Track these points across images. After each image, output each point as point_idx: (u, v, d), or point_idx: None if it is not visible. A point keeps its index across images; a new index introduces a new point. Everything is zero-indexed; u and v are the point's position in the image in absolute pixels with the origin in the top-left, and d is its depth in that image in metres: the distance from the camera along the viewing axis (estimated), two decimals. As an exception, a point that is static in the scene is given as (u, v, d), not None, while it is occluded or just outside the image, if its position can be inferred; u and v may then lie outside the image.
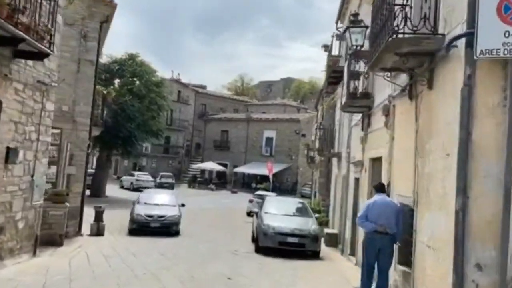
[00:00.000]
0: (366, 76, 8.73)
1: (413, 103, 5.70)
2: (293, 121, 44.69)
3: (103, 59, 27.73)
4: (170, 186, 39.77)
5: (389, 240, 6.12)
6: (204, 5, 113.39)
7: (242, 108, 57.43)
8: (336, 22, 18.22)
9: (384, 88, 7.75)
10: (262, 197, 23.96)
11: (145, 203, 15.46)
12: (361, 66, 9.08)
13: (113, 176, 46.86)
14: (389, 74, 6.21)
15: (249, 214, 23.57)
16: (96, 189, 27.66)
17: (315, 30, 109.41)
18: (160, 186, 39.40)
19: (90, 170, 38.61)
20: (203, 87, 62.79)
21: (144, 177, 38.17)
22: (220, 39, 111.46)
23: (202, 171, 48.95)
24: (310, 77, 78.30)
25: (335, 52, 16.44)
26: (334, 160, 16.45)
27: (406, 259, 5.96)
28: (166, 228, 14.13)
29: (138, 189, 37.70)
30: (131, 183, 37.75)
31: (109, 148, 27.59)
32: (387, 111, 7.29)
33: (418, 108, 5.43)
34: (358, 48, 8.02)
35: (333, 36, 16.17)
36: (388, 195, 6.87)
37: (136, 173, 39.47)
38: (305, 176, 45.02)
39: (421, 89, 5.35)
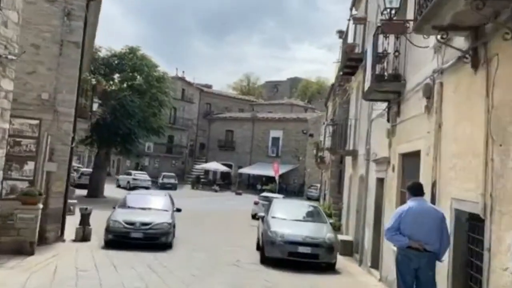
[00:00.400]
0: (396, 53, 7.17)
1: (480, 73, 4.14)
2: (301, 120, 43.12)
3: (102, 53, 26.46)
4: (173, 187, 38.37)
5: (429, 259, 4.57)
6: (210, 8, 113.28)
7: (247, 108, 55.99)
8: (351, 9, 16.75)
9: (423, 64, 6.20)
10: (268, 199, 22.44)
11: (129, 207, 12.53)
12: (389, 45, 7.56)
13: (116, 176, 45.62)
14: (440, 36, 4.62)
15: (254, 217, 22.12)
16: (93, 189, 26.28)
17: (321, 32, 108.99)
18: (162, 187, 38.02)
19: (86, 169, 37.90)
20: (209, 86, 61.45)
21: (141, 176, 37.09)
22: (226, 41, 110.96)
23: (206, 171, 47.51)
24: (317, 77, 76.94)
25: (350, 40, 14.88)
26: (348, 159, 14.90)
27: None
28: (152, 240, 10.95)
29: (134, 188, 36.21)
30: (128, 182, 36.73)
31: (108, 146, 26.19)
32: (429, 92, 5.74)
33: (491, 78, 3.87)
34: (393, 13, 6.47)
35: (349, 20, 14.61)
36: (433, 199, 5.32)
37: (133, 172, 38.48)
38: (312, 177, 43.43)
39: (497, 50, 3.80)
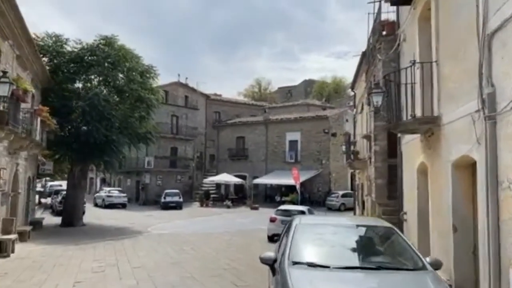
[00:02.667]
0: None
1: None
2: (320, 118, 37.32)
3: (69, 46, 21.43)
4: (177, 206, 33.05)
5: None
6: (217, 25, 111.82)
7: (260, 114, 50.52)
8: None
9: None
10: (288, 214, 16.81)
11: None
12: None
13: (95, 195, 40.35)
14: None
15: (272, 239, 16.47)
16: (68, 216, 21.06)
17: (328, 41, 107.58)
18: (165, 207, 32.72)
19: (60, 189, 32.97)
20: (218, 95, 56.29)
21: (115, 192, 34.97)
22: (236, 57, 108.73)
23: (217, 185, 41.97)
24: (333, 76, 71.19)
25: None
26: (413, 142, 9.17)
27: None
28: None
29: (109, 206, 33.68)
30: (103, 199, 34.27)
31: (82, 161, 20.95)
32: None
33: None
34: None
35: None
36: None
37: (107, 188, 37.15)
38: (338, 183, 37.48)
39: None
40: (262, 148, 40.58)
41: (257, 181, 37.34)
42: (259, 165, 40.46)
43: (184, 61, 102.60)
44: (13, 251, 12.50)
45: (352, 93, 22.26)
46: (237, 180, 37.78)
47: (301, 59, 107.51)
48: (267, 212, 31.63)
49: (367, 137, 14.11)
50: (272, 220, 16.62)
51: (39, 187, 47.00)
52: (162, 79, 42.17)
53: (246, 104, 57.16)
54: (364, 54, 15.90)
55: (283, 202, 33.62)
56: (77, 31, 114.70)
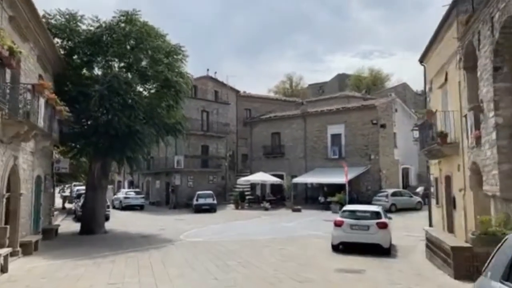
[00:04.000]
0: None
1: None
2: (367, 108, 33.29)
3: (85, 24, 18.47)
4: (211, 209, 29.84)
5: None
6: (240, 29, 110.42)
7: (294, 109, 46.81)
8: None
9: None
10: (357, 216, 13.18)
11: None
12: None
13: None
14: None
15: (337, 248, 12.89)
16: (88, 222, 18.04)
17: (352, 41, 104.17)
18: (198, 209, 29.57)
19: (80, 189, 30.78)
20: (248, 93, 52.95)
21: (132, 194, 33.44)
22: (260, 60, 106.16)
23: (252, 186, 38.53)
24: (369, 68, 66.66)
25: None
26: None
27: None
28: None
29: (127, 208, 32.01)
30: (120, 201, 32.74)
31: (103, 156, 17.89)
32: None
33: None
34: None
35: None
36: None
37: (124, 190, 36.16)
38: (390, 181, 33.32)
39: None
40: (300, 144, 36.87)
41: (297, 180, 33.62)
42: (297, 163, 36.77)
43: (207, 65, 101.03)
44: (4, 270, 9.37)
45: (422, 67, 18.27)
46: (275, 180, 34.19)
47: (326, 60, 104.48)
48: (311, 215, 27.98)
49: (475, 109, 10.28)
50: (338, 224, 12.94)
51: (66, 191, 45.10)
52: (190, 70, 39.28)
53: (278, 100, 53.55)
54: (455, 3, 12.06)
55: (329, 203, 29.87)
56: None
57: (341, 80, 69.90)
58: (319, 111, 36.67)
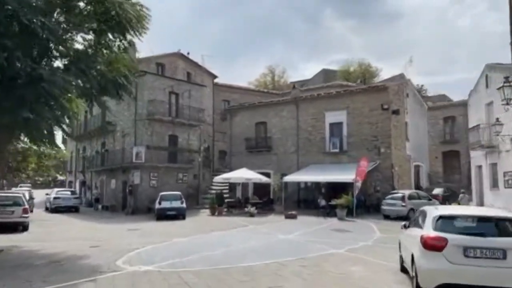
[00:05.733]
0: None
1: None
2: (376, 90, 26.94)
3: None
4: (179, 214, 22.76)
5: None
6: (214, 35, 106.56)
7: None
8: None
9: None
10: (473, 228, 6.35)
11: None
12: None
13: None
14: None
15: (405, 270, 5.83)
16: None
17: (326, 49, 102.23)
18: (162, 215, 22.39)
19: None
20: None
21: (65, 194, 29.50)
22: (235, 67, 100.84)
23: (231, 187, 31.58)
24: (359, 61, 60.84)
25: None
26: None
27: None
28: None
29: (56, 210, 27.82)
30: (49, 202, 29.01)
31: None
32: None
33: None
34: None
35: None
36: None
37: (54, 189, 31.68)
38: (402, 180, 27.05)
39: None
40: (292, 136, 30.22)
41: (288, 179, 26.85)
42: (288, 159, 30.09)
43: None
44: None
45: None
46: (261, 178, 27.30)
47: (300, 68, 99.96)
48: (312, 223, 21.10)
49: None
50: (436, 247, 6.10)
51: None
52: (156, 51, 32.10)
53: (260, 92, 47.09)
54: None
55: (332, 208, 23.18)
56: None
57: (327, 75, 63.87)
58: (315, 95, 30.17)
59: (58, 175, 62.47)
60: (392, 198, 22.43)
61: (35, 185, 59.59)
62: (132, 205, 26.93)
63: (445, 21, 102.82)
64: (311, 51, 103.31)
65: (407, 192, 22.83)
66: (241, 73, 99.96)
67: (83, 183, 36.57)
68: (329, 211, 23.38)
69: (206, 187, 32.18)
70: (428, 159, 33.49)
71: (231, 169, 31.62)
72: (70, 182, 40.96)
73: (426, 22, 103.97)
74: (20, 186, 49.01)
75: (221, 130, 38.74)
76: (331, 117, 28.46)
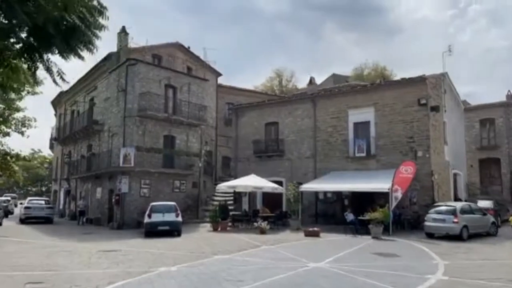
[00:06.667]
0: None
1: None
2: (411, 83, 22.57)
3: None
4: (173, 231, 18.29)
5: None
6: (217, 50, 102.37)
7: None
8: None
9: None
10: None
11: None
12: None
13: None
14: None
15: None
16: None
17: (327, 62, 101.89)
18: (151, 232, 17.96)
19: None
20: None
21: (37, 203, 26.80)
22: (238, 80, 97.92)
23: (236, 198, 27.15)
24: (374, 63, 56.70)
25: None
26: None
27: None
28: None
29: (26, 221, 25.28)
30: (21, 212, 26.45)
31: None
32: None
33: None
34: None
35: None
36: None
37: (29, 198, 28.92)
38: (442, 190, 22.58)
39: None
40: (308, 138, 25.89)
41: (306, 188, 22.43)
42: (303, 165, 25.73)
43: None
44: None
45: None
46: (275, 187, 22.86)
47: (302, 81, 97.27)
48: (341, 243, 16.31)
49: None
50: None
51: None
52: (151, 42, 28.07)
53: (268, 95, 42.85)
54: None
55: (364, 223, 18.66)
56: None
57: (337, 81, 59.78)
58: (336, 91, 25.92)
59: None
60: (439, 212, 17.87)
61: (27, 195, 55.42)
62: (118, 218, 22.50)
63: (445, 35, 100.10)
64: (313, 64, 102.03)
65: (458, 205, 18.27)
66: (243, 84, 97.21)
67: (67, 192, 32.15)
68: (358, 228, 18.94)
69: (207, 198, 27.76)
70: (465, 167, 29.02)
71: (235, 177, 27.23)
72: (56, 191, 36.58)
73: (427, 36, 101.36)
74: (5, 196, 44.77)
75: (224, 134, 34.58)
76: (355, 116, 24.13)
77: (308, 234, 18.28)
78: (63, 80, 8.43)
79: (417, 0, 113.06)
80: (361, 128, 23.89)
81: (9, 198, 37.20)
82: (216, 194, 28.66)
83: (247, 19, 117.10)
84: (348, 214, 19.91)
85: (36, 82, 8.99)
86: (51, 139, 39.32)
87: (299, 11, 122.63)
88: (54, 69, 8.30)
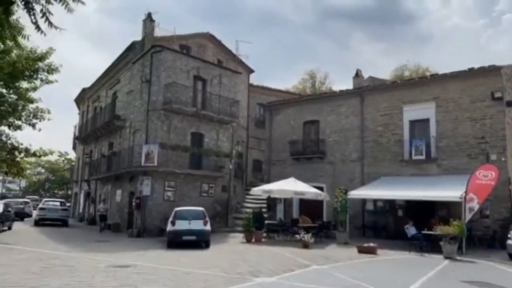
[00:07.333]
0: None
1: None
2: (482, 73, 19.00)
3: None
4: (201, 242, 15.46)
5: None
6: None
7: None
8: None
9: None
10: None
11: None
12: None
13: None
14: None
15: None
16: None
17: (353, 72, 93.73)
18: (174, 242, 15.12)
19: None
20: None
21: (52, 204, 25.56)
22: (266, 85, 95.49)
23: (270, 203, 24.14)
24: (415, 65, 52.73)
25: None
26: None
27: None
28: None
29: (40, 222, 24.29)
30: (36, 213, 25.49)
31: None
32: None
33: None
34: None
35: None
36: None
37: (45, 199, 28.52)
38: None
39: None
40: (354, 138, 22.68)
41: (355, 195, 19.17)
42: (348, 169, 22.51)
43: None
44: None
45: None
46: (319, 193, 19.70)
47: (337, 83, 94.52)
48: (409, 263, 12.61)
49: None
50: None
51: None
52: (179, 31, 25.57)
53: (302, 95, 39.78)
54: None
55: (431, 240, 15.27)
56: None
57: (375, 83, 56.24)
58: (388, 84, 22.66)
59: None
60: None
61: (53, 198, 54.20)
62: (139, 224, 19.87)
63: (477, 44, 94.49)
64: (341, 75, 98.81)
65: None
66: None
67: (87, 195, 29.95)
68: (424, 245, 15.57)
69: (237, 204, 24.88)
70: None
71: (268, 181, 24.28)
72: (76, 194, 34.56)
73: (458, 45, 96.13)
74: (26, 197, 43.38)
75: (255, 136, 31.82)
76: (411, 113, 20.78)
77: (363, 251, 15.04)
78: (50, 24, 5.70)
79: (448, 8, 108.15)
80: (419, 126, 20.51)
81: (27, 200, 35.49)
82: (246, 200, 25.80)
83: (273, 29, 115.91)
84: (410, 228, 16.54)
85: (16, 33, 6.60)
86: (74, 139, 37.50)
87: (325, 21, 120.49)
88: (37, 7, 5.66)
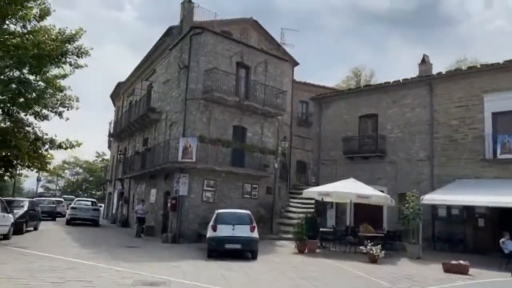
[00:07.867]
0: None
1: None
2: None
3: None
4: (248, 252, 12.74)
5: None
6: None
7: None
8: None
9: None
10: None
11: None
12: None
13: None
14: None
15: None
16: None
17: (393, 77, 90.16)
18: (217, 251, 12.48)
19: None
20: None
21: (84, 204, 25.26)
22: None
23: (320, 208, 21.22)
24: (471, 60, 48.29)
25: None
26: None
27: None
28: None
29: (72, 222, 23.67)
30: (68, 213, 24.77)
31: None
32: None
33: None
34: None
35: None
36: None
37: (77, 199, 27.41)
38: None
39: None
40: (421, 134, 19.42)
41: (429, 199, 15.95)
42: (414, 169, 19.27)
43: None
44: None
45: None
46: (384, 197, 16.65)
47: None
48: None
49: None
50: None
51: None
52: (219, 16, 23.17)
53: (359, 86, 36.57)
54: None
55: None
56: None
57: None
58: (463, 70, 19.30)
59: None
60: None
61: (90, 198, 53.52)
62: (174, 228, 17.54)
63: None
64: (378, 78, 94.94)
65: None
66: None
67: (121, 195, 28.12)
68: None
69: (281, 209, 22.16)
70: None
71: (317, 183, 21.42)
72: (110, 194, 32.97)
73: (502, 48, 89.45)
74: (63, 197, 42.57)
75: (299, 134, 29.15)
76: (495, 103, 17.32)
77: (449, 270, 11.91)
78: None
79: (490, 11, 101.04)
80: (505, 120, 17.02)
81: (60, 200, 34.36)
82: (290, 204, 23.07)
83: (310, 33, 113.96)
84: (507, 242, 13.21)
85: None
86: (108, 136, 36.10)
87: (362, 25, 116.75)
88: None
